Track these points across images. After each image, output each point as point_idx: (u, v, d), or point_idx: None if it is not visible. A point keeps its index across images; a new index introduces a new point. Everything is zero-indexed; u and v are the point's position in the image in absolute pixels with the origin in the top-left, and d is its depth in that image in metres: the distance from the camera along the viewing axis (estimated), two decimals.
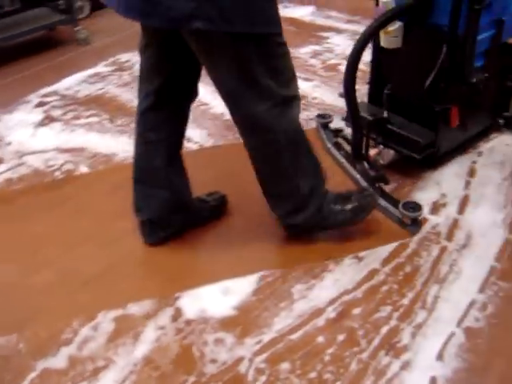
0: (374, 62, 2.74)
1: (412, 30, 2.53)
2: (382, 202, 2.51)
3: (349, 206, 2.33)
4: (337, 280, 2.19)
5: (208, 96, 3.34)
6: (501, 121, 2.98)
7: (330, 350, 1.93)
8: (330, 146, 2.91)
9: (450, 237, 2.39)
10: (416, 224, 2.44)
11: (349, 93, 2.50)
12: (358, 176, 2.66)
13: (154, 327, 2.02)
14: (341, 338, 1.97)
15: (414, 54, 2.59)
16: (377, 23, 2.42)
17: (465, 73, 2.52)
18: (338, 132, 2.95)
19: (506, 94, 2.90)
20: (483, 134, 2.97)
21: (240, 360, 1.91)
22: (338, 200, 2.33)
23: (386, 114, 2.70)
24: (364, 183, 2.62)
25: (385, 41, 2.55)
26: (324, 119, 3.02)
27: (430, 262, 2.26)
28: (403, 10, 2.45)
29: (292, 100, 2.09)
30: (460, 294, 2.13)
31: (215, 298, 2.13)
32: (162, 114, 2.23)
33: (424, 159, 2.65)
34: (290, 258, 2.31)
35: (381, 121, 2.68)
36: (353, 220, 2.35)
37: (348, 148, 2.81)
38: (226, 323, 2.03)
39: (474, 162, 2.80)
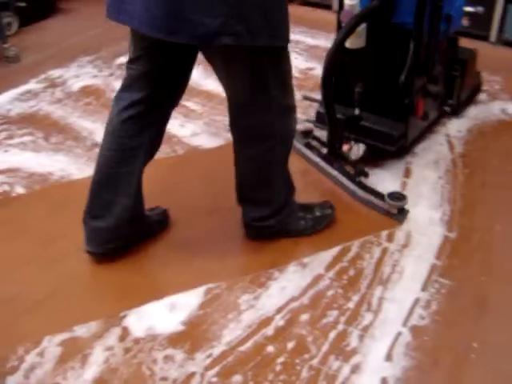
0: (337, 65, 2.70)
1: (376, 30, 2.62)
2: (366, 196, 2.62)
3: (310, 216, 2.44)
4: (283, 288, 2.20)
5: None
6: (447, 108, 3.12)
7: (281, 359, 1.94)
8: (300, 146, 2.96)
9: (390, 238, 2.43)
10: (403, 213, 2.56)
11: (326, 95, 2.60)
12: (336, 173, 2.76)
13: (102, 348, 1.99)
14: (290, 345, 1.99)
15: (383, 52, 2.72)
16: (348, 27, 2.50)
17: (429, 66, 2.67)
18: (308, 133, 3.01)
19: (451, 84, 3.07)
20: (436, 122, 3.12)
21: (191, 376, 1.89)
22: (302, 209, 2.45)
23: (357, 112, 2.78)
24: (343, 179, 2.72)
25: (350, 42, 2.59)
26: None
27: (372, 264, 2.30)
28: (371, 12, 2.53)
29: (293, 109, 2.22)
30: (404, 294, 2.18)
31: (162, 314, 2.11)
32: (144, 122, 2.22)
33: (397, 150, 2.79)
34: (234, 268, 2.32)
35: (354, 118, 2.78)
36: (313, 228, 2.45)
37: (320, 147, 2.91)
38: (175, 339, 2.02)
39: (409, 163, 2.86)
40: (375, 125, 2.79)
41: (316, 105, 3.05)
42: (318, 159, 2.87)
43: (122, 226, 2.30)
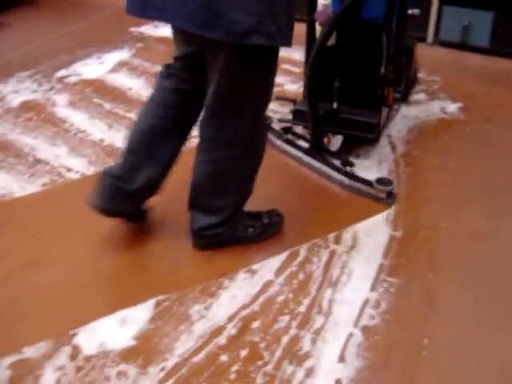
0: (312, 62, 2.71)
1: (346, 26, 2.73)
2: (355, 184, 2.75)
3: (258, 224, 2.44)
4: (233, 296, 2.20)
5: (85, 122, 3.31)
6: (397, 95, 3.21)
7: (235, 367, 1.93)
8: (280, 143, 3.02)
9: (337, 240, 2.46)
10: (391, 196, 2.70)
11: (310, 93, 2.72)
12: (321, 165, 2.88)
13: (53, 368, 1.95)
14: (244, 353, 1.98)
15: (354, 47, 2.84)
16: (329, 26, 2.58)
17: (397, 57, 2.85)
18: (287, 130, 3.08)
19: (400, 73, 3.15)
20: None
21: None
22: (250, 217, 2.44)
23: (336, 105, 2.89)
24: (329, 170, 2.82)
25: None
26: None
27: (321, 267, 2.32)
28: (346, 10, 2.59)
29: (267, 125, 2.27)
30: (353, 295, 2.20)
31: (113, 330, 2.08)
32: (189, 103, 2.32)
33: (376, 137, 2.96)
34: (184, 279, 2.30)
35: (333, 112, 2.90)
36: (262, 235, 2.45)
37: (301, 143, 3.04)
38: (127, 354, 1.99)
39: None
40: (354, 116, 2.91)
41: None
42: (299, 154, 2.97)
43: (140, 193, 2.36)
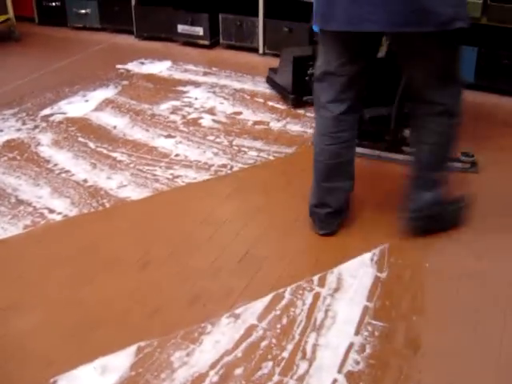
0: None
1: None
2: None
3: (455, 207, 2.77)
4: (216, 342, 2.16)
5: (69, 162, 3.30)
6: None
7: None
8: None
9: (322, 282, 2.43)
10: (474, 165, 3.17)
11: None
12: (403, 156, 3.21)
13: None
14: None
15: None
16: None
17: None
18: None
19: None
20: None
21: None
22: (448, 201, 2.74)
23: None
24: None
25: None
26: None
27: (305, 311, 2.29)
28: None
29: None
30: (338, 339, 2.17)
31: (92, 378, 2.03)
32: (354, 117, 2.60)
33: None
34: (166, 324, 2.26)
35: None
36: (459, 221, 2.77)
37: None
38: None
39: None
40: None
41: None
42: (377, 152, 3.31)
43: (343, 204, 2.73)
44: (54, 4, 5.68)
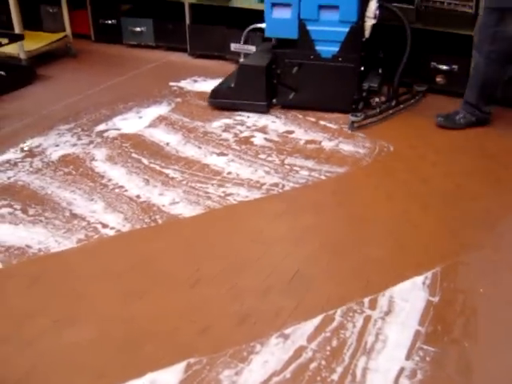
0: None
1: None
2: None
3: None
4: (265, 362, 2.15)
5: (122, 178, 3.34)
6: None
7: None
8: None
9: (373, 305, 2.40)
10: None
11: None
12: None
13: None
14: None
15: None
16: None
17: None
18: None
19: None
20: None
21: None
22: None
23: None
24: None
25: None
26: None
27: (355, 334, 2.26)
28: None
29: None
30: (388, 363, 2.14)
31: None
32: None
33: None
34: (215, 342, 2.26)
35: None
36: None
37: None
38: None
39: None
40: None
41: None
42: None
43: None
44: (109, 22, 5.79)
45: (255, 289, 2.52)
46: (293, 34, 4.03)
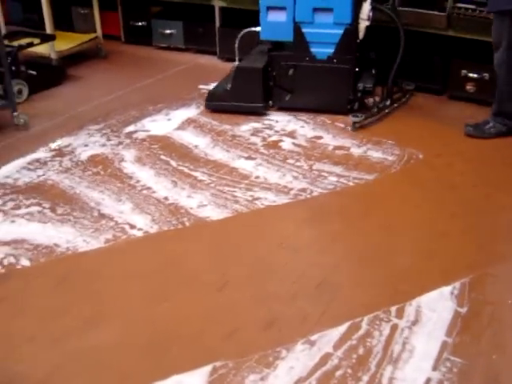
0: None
1: None
2: None
3: None
4: (291, 368, 2.15)
5: (151, 179, 3.36)
6: None
7: None
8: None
9: (400, 314, 2.39)
10: None
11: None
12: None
13: None
14: None
15: None
16: None
17: None
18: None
19: None
20: None
21: None
22: None
23: None
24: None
25: None
26: None
27: (382, 342, 2.25)
28: None
29: None
30: (415, 373, 2.12)
31: None
32: None
33: None
34: (241, 346, 2.26)
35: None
36: None
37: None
38: None
39: None
40: None
41: None
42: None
43: None
44: (140, 24, 5.83)
45: (282, 294, 2.51)
46: (288, 36, 4.11)
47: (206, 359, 2.19)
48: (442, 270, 2.64)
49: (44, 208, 3.15)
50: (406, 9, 4.26)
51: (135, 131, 3.98)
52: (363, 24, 4.03)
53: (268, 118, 4.12)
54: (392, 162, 3.49)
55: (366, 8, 4.00)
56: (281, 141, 3.77)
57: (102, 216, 3.04)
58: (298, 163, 3.50)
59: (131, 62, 5.48)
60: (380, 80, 4.21)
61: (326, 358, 2.19)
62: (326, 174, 3.37)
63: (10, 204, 3.21)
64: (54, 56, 5.12)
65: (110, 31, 5.83)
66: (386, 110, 4.15)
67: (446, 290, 2.51)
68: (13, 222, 3.05)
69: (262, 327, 2.34)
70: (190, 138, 3.87)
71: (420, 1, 4.29)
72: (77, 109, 4.40)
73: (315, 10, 4.00)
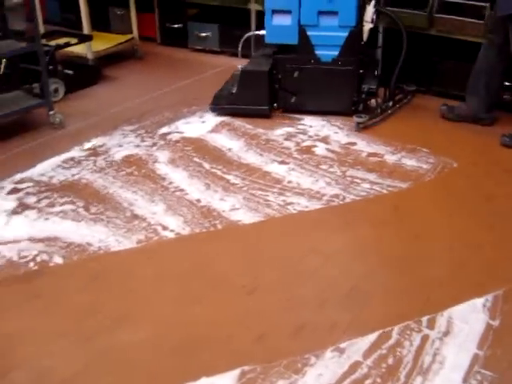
0: None
1: None
2: None
3: None
4: (319, 375, 2.14)
5: (184, 181, 3.37)
6: None
7: None
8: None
9: (431, 324, 2.36)
10: None
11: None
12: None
13: None
14: None
15: None
16: None
17: None
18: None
19: None
20: None
21: None
22: None
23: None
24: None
25: None
26: None
27: (412, 353, 2.23)
28: None
29: None
30: None
31: None
32: None
33: None
34: (270, 351, 2.26)
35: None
36: None
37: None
38: None
39: None
40: None
41: None
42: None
43: None
44: (176, 26, 5.85)
45: (312, 300, 2.51)
46: (293, 39, 4.15)
47: (234, 363, 2.19)
48: (474, 282, 2.61)
49: (78, 207, 3.18)
50: (443, 16, 4.23)
51: (169, 133, 4.00)
52: (367, 26, 4.14)
53: (302, 122, 4.11)
54: (426, 170, 3.46)
55: (370, 11, 4.10)
56: (314, 146, 3.76)
57: (135, 216, 3.06)
58: (331, 169, 3.49)
59: (166, 63, 5.51)
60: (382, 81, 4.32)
61: (355, 366, 2.18)
62: (359, 181, 3.35)
63: (45, 202, 3.24)
64: (90, 56, 5.17)
65: (146, 33, 5.87)
66: (389, 111, 4.23)
67: (479, 301, 2.48)
68: (47, 219, 3.08)
69: (291, 333, 2.33)
70: (223, 140, 3.88)
71: (456, 8, 4.25)
72: (112, 109, 4.44)
73: (320, 13, 4.06)
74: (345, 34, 4.05)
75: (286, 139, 3.87)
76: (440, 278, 2.63)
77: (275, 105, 4.28)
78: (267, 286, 2.58)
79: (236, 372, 2.15)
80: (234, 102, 4.21)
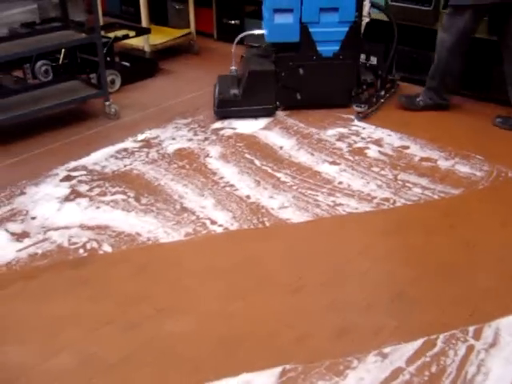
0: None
1: None
2: None
3: None
4: (360, 378, 2.12)
5: (234, 176, 3.38)
6: None
7: None
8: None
9: (477, 335, 2.32)
10: None
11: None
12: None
13: None
14: None
15: None
16: None
17: None
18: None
19: None
20: None
21: None
22: None
23: None
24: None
25: None
26: None
27: (456, 362, 2.19)
28: None
29: None
30: None
31: None
32: None
33: None
34: (312, 351, 2.25)
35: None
36: None
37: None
38: None
39: None
40: None
41: None
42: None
43: None
44: (233, 22, 5.87)
45: (357, 303, 2.49)
46: (295, 37, 4.18)
47: (276, 361, 2.20)
48: None
49: (129, 197, 3.23)
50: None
51: (222, 128, 4.02)
52: (364, 20, 4.25)
53: (355, 124, 4.08)
54: (480, 177, 3.39)
55: (367, 5, 4.25)
56: (366, 148, 3.73)
57: (185, 209, 3.09)
58: (382, 172, 3.46)
59: (222, 59, 5.50)
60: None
61: (397, 372, 2.15)
62: (410, 185, 3.31)
63: (97, 190, 3.30)
64: (147, 49, 5.24)
65: (203, 28, 5.91)
66: (382, 100, 4.41)
67: None
68: (98, 207, 3.14)
69: (334, 334, 2.32)
70: (275, 138, 3.88)
71: None
72: (166, 102, 4.48)
73: (321, 9, 4.12)
74: (345, 29, 4.17)
75: (338, 140, 3.85)
76: (489, 288, 2.58)
77: (277, 103, 4.28)
78: (312, 286, 2.57)
79: (277, 370, 2.15)
80: (239, 104, 4.19)
